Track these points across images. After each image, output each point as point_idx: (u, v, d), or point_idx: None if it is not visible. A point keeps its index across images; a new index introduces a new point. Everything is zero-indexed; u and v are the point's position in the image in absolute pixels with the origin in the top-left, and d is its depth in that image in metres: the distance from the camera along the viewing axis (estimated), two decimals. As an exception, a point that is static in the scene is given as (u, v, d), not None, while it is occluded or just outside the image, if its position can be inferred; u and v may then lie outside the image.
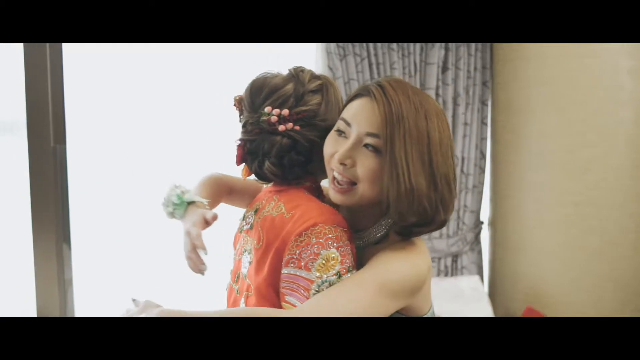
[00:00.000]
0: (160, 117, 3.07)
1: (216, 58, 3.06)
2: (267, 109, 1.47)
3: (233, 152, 1.56)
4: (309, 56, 3.17)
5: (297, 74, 1.52)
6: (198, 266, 1.44)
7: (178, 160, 3.11)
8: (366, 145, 1.39)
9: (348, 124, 1.42)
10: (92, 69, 2.96)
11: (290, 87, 1.49)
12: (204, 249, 1.42)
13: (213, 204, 1.69)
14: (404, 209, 1.36)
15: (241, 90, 1.59)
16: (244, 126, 1.52)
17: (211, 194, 1.68)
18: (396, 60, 3.21)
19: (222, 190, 1.73)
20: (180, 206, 1.55)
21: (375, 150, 1.39)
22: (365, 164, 1.39)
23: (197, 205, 1.55)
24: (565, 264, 3.16)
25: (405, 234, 1.44)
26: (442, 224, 1.44)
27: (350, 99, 1.46)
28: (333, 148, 1.44)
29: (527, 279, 3.29)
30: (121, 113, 3.03)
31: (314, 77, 1.54)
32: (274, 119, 1.46)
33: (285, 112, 1.47)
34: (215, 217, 1.46)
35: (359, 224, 1.49)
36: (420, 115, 1.37)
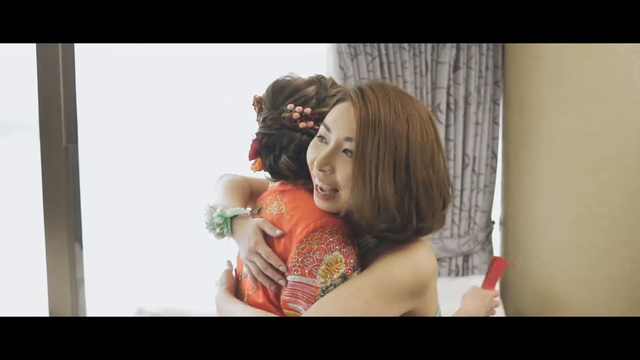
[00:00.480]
0: (171, 117, 3.08)
1: (227, 58, 3.06)
2: (289, 106, 1.49)
3: (239, 150, 1.57)
4: (320, 55, 3.17)
5: (319, 79, 1.55)
6: (276, 281, 1.40)
7: (189, 159, 3.12)
8: (345, 151, 1.36)
9: (328, 130, 1.39)
10: (104, 69, 2.97)
11: (312, 89, 1.52)
12: (282, 265, 1.39)
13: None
14: (370, 215, 1.33)
15: (254, 89, 1.60)
16: (263, 121, 1.53)
17: (243, 201, 1.67)
18: (407, 59, 3.21)
19: (248, 195, 1.72)
20: (225, 224, 1.53)
21: None
22: (345, 170, 1.35)
23: (242, 217, 1.53)
24: (576, 264, 3.15)
25: (380, 238, 1.41)
26: (419, 231, 1.38)
27: (333, 105, 1.44)
28: (314, 154, 1.41)
29: (539, 279, 3.28)
30: (133, 113, 3.04)
31: (334, 83, 1.56)
32: (296, 115, 1.48)
33: (308, 110, 1.49)
34: (282, 235, 1.42)
35: (354, 231, 1.45)
36: (401, 118, 1.32)
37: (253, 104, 1.58)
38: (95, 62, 2.92)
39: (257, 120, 1.57)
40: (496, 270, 1.89)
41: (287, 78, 1.55)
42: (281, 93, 1.52)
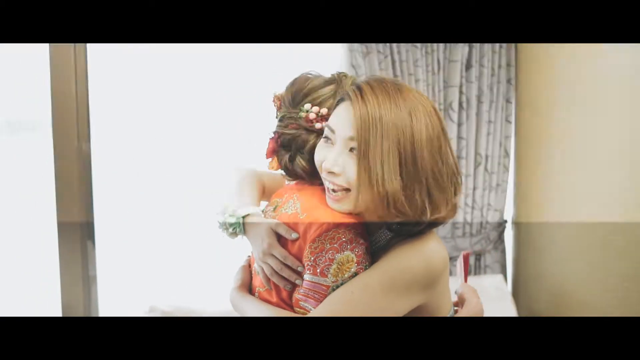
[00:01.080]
0: (184, 116, 3.09)
1: (240, 57, 3.07)
2: (306, 106, 1.48)
3: (254, 148, 1.56)
4: (332, 54, 3.17)
5: (340, 78, 1.53)
6: (293, 281, 1.40)
7: (201, 158, 3.12)
8: (352, 150, 1.35)
9: (332, 131, 1.39)
10: (117, 69, 2.98)
11: (331, 88, 1.51)
12: (299, 265, 1.39)
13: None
14: (381, 213, 1.34)
15: (267, 88, 1.60)
16: (280, 120, 1.53)
17: (256, 197, 1.65)
18: (419, 57, 3.20)
19: (261, 191, 1.72)
20: (237, 224, 1.52)
21: None
22: (354, 169, 1.35)
23: (254, 217, 1.52)
24: (589, 263, 3.13)
25: (395, 232, 1.40)
26: (435, 222, 1.37)
27: (335, 105, 1.43)
28: (321, 157, 1.40)
29: (551, 278, 3.27)
30: (145, 112, 3.05)
31: (355, 82, 1.54)
32: (312, 116, 1.47)
33: (325, 110, 1.48)
34: (297, 238, 1.41)
35: (366, 229, 1.45)
36: (403, 113, 1.32)
37: (273, 101, 1.58)
38: (108, 61, 2.93)
39: (276, 118, 1.57)
40: (467, 264, 1.89)
41: (308, 76, 1.54)
42: (300, 91, 1.51)
